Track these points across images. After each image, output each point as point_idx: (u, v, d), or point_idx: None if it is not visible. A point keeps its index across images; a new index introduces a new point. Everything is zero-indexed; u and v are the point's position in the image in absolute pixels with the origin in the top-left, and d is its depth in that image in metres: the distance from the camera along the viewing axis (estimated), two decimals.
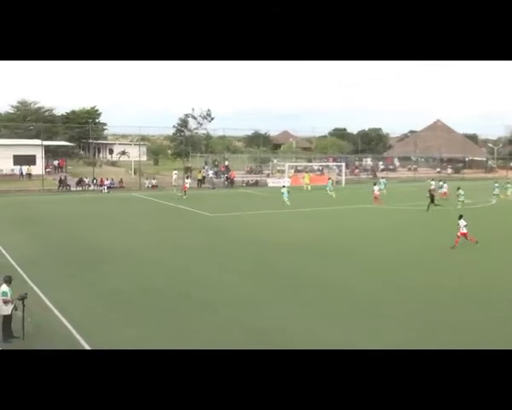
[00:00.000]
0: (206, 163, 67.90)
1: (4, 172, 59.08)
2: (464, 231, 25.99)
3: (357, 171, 74.92)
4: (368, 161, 80.00)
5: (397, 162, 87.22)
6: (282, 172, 66.14)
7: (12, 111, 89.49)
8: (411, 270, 22.22)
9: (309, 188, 56.62)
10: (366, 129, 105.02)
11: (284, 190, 43.39)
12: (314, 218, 36.96)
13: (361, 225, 33.51)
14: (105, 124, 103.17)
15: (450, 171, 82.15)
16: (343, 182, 63.08)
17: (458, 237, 26.08)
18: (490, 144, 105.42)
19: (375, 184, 46.86)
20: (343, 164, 68.03)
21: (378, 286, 19.54)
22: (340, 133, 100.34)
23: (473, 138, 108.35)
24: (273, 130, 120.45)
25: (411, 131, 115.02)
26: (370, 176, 73.93)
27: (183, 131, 76.04)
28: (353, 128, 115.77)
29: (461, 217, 26.36)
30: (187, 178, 57.26)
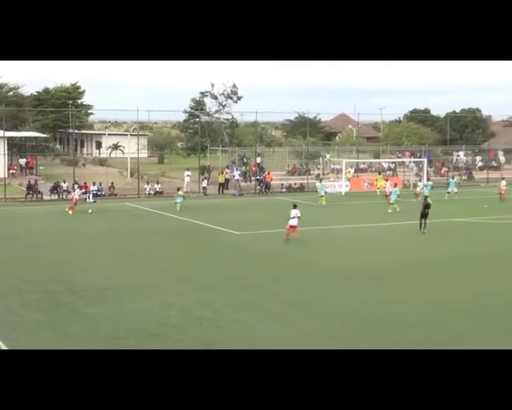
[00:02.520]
0: (232, 162, 68.13)
1: None
2: None
3: (444, 170, 74.19)
4: (461, 156, 79.06)
5: (502, 157, 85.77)
6: (338, 171, 65.90)
7: None
8: None
9: (378, 192, 56.88)
10: (457, 110, 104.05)
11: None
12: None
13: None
14: (90, 107, 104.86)
15: None
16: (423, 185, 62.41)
17: None
18: None
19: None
20: (425, 160, 67.38)
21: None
22: (420, 117, 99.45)
23: None
24: (325, 113, 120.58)
25: None
26: (464, 177, 73.06)
27: (198, 116, 76.39)
28: (439, 110, 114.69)
29: None
30: (205, 179, 57.58)
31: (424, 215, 36.97)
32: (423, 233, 36.48)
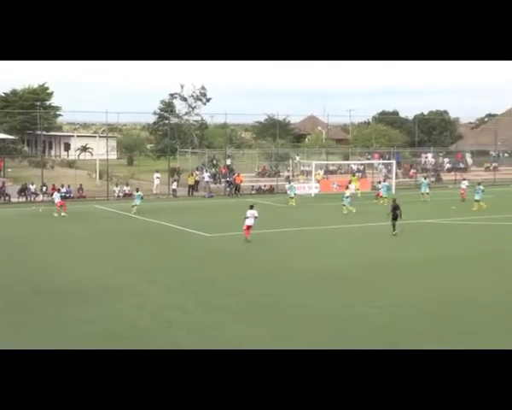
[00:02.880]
0: (202, 164, 68.06)
1: None
2: None
3: (413, 171, 74.76)
4: (429, 158, 79.71)
5: (469, 159, 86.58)
6: (308, 173, 66.12)
7: None
8: None
9: (359, 194, 57.00)
10: (426, 113, 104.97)
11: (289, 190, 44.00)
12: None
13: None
14: (59, 108, 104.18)
15: None
16: (393, 187, 62.89)
17: None
18: None
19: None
20: (393, 162, 67.87)
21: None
22: (389, 119, 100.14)
23: None
24: (295, 115, 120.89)
25: (489, 115, 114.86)
26: (432, 179, 73.69)
27: (167, 118, 76.26)
28: (408, 112, 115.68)
29: None
30: (174, 181, 57.49)
31: (394, 217, 37.28)
32: (395, 235, 36.79)
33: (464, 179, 58.72)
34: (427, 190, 56.52)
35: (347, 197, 47.35)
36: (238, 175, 62.68)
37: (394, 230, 37.02)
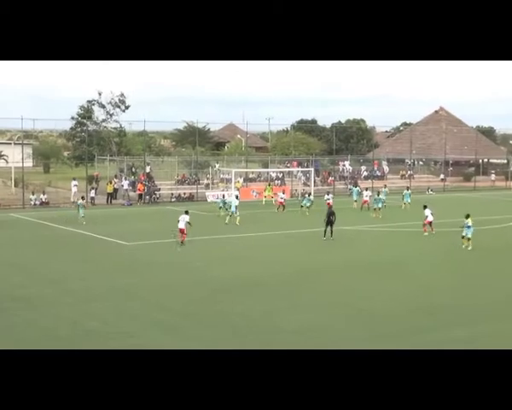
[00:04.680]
0: (121, 171, 67.42)
1: None
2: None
3: (331, 179, 75.85)
4: (346, 166, 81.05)
5: (385, 166, 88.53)
6: (228, 181, 66.30)
7: None
8: None
9: (274, 202, 57.87)
10: (343, 121, 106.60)
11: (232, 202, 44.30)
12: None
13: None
14: None
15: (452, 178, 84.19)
16: (312, 194, 63.61)
17: None
18: None
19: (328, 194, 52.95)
20: (312, 170, 68.70)
21: None
22: (307, 127, 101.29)
23: (489, 133, 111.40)
24: (214, 122, 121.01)
25: (405, 124, 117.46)
26: (350, 186, 74.91)
27: (85, 124, 75.28)
28: (325, 120, 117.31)
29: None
30: (93, 189, 56.81)
31: (329, 223, 38.17)
32: (326, 239, 37.69)
33: (367, 189, 58.96)
34: (409, 200, 56.35)
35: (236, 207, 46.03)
36: (140, 184, 61.91)
37: (326, 235, 38.00)
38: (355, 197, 58.30)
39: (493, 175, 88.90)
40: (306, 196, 56.01)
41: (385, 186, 60.11)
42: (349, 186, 69.09)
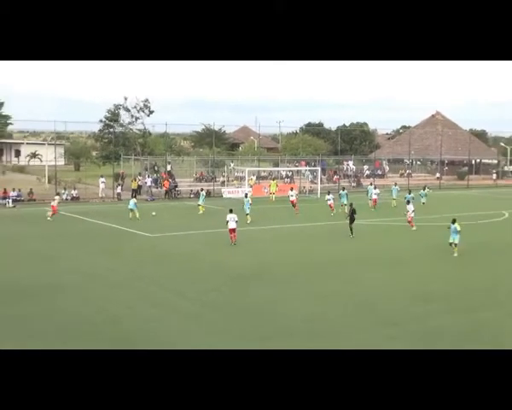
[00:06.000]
0: (145, 170, 67.54)
1: None
2: None
3: (336, 177, 75.71)
4: (350, 165, 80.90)
5: (386, 166, 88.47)
6: (242, 179, 66.35)
7: None
8: None
9: (273, 198, 57.63)
10: (347, 124, 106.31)
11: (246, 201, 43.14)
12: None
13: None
14: (9, 117, 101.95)
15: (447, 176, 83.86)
16: (319, 191, 63.60)
17: None
18: (502, 143, 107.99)
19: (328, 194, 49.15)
20: (319, 168, 68.60)
21: None
22: (314, 129, 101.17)
23: (481, 136, 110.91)
24: (229, 125, 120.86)
25: (404, 127, 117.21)
26: (354, 184, 74.79)
27: (112, 126, 75.45)
28: (331, 123, 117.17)
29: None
30: (119, 185, 56.93)
31: (352, 220, 36.93)
32: (353, 237, 36.50)
33: (375, 188, 54.64)
34: (395, 196, 54.21)
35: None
36: (167, 181, 62.10)
37: (352, 233, 36.74)
38: (395, 195, 54.26)
39: (494, 175, 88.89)
40: (341, 191, 51.28)
41: (395, 184, 57.70)
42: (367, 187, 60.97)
